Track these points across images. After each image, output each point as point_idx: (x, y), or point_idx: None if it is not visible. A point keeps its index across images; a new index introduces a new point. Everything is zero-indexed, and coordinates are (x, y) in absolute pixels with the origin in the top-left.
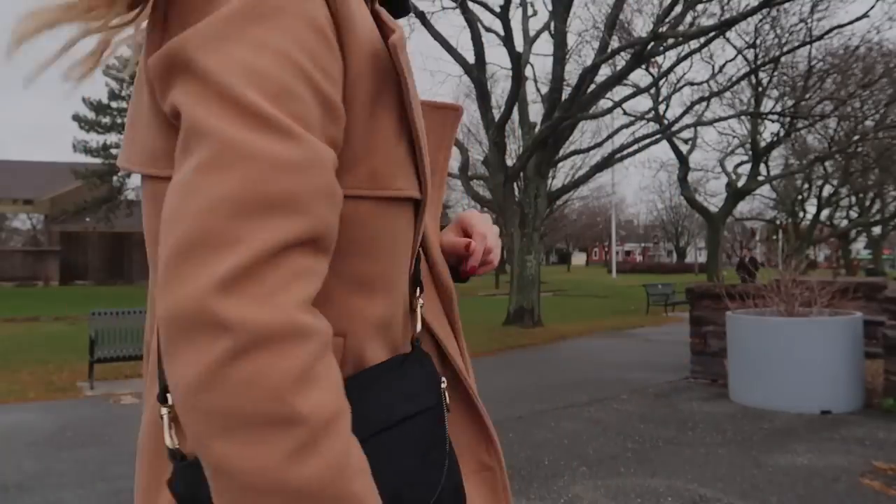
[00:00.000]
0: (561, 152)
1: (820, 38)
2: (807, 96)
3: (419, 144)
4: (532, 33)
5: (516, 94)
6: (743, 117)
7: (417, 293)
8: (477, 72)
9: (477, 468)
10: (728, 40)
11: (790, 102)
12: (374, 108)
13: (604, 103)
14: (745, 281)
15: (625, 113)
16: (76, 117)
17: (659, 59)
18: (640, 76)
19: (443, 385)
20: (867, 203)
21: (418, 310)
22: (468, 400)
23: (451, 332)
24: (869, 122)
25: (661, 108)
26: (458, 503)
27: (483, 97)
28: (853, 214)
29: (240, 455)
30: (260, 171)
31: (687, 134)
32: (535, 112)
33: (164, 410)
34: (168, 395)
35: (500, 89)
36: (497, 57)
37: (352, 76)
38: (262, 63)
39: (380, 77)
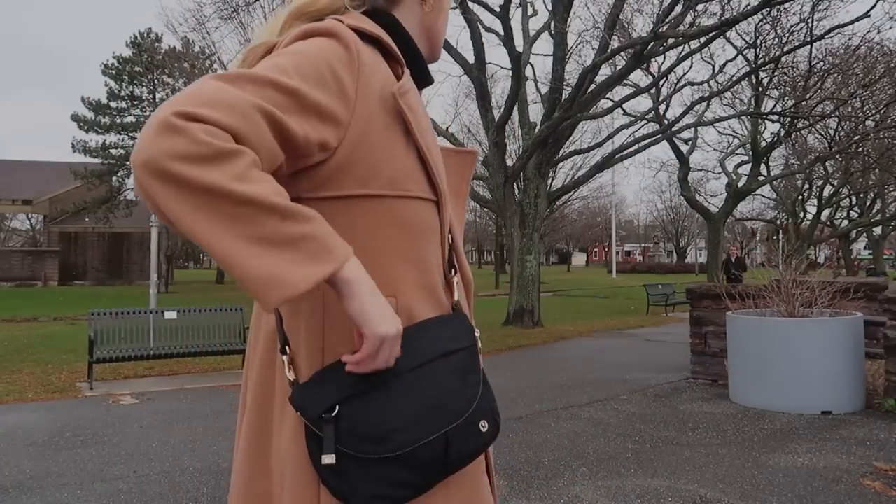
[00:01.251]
0: (561, 152)
1: (820, 37)
2: (807, 96)
3: (427, 161)
4: (532, 33)
5: (516, 94)
6: (743, 117)
7: (453, 273)
8: (477, 72)
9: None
10: (728, 40)
11: (790, 102)
12: (388, 134)
13: (604, 103)
14: (730, 281)
15: (625, 113)
16: (75, 117)
17: (658, 59)
18: (640, 76)
19: (477, 333)
20: (868, 203)
21: (454, 284)
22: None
23: (470, 312)
24: (870, 122)
25: (662, 108)
26: (495, 421)
27: (483, 97)
28: (854, 214)
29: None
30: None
31: (687, 134)
32: (535, 112)
33: (285, 358)
34: (287, 347)
35: (500, 89)
36: (497, 57)
37: (368, 111)
38: (284, 64)
39: (390, 113)
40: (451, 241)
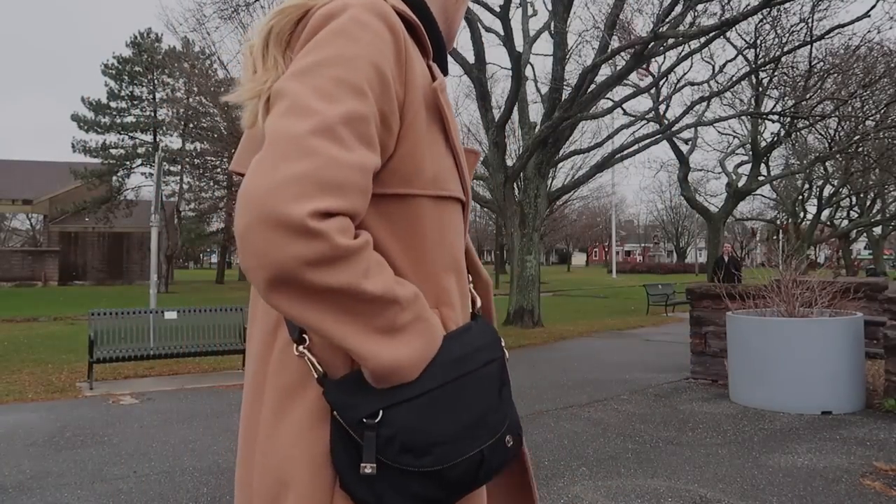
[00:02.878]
0: (561, 152)
1: (821, 37)
2: (807, 96)
3: (459, 161)
4: (532, 33)
5: (516, 94)
6: (743, 117)
7: (470, 278)
8: (477, 72)
9: None
10: (728, 40)
11: (791, 102)
12: (430, 131)
13: (604, 103)
14: (727, 281)
15: (625, 113)
16: (75, 117)
17: (658, 59)
18: (640, 76)
19: (503, 342)
20: (868, 203)
21: (472, 290)
22: None
23: (491, 316)
24: (870, 122)
25: (662, 108)
26: (519, 436)
27: (483, 97)
28: (854, 215)
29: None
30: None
31: (687, 134)
32: (535, 112)
33: (303, 348)
34: (305, 336)
35: (500, 89)
36: (497, 57)
37: (414, 106)
38: (331, 80)
39: (430, 110)
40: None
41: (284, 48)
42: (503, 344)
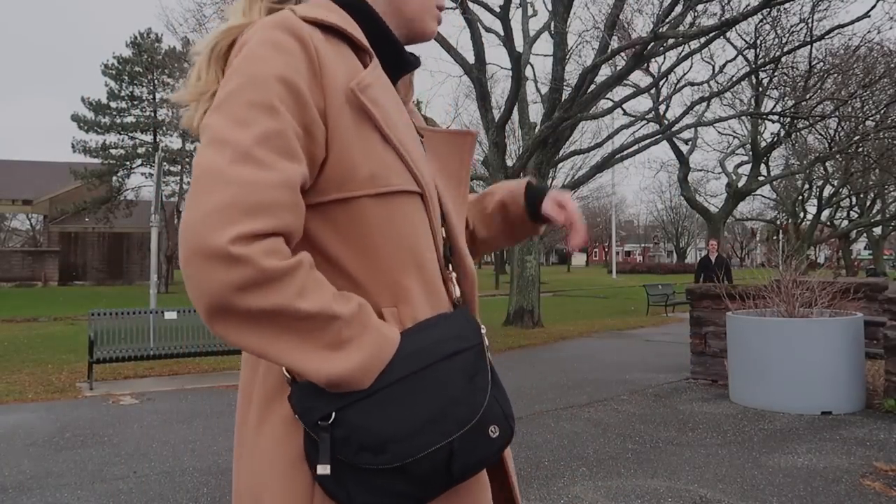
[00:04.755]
0: (561, 152)
1: (820, 38)
2: (807, 96)
3: (402, 153)
4: (532, 33)
5: (516, 94)
6: (743, 118)
7: (450, 268)
8: (477, 72)
9: None
10: (728, 40)
11: (790, 103)
12: (359, 129)
13: (604, 103)
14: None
15: (625, 113)
16: (75, 117)
17: (658, 59)
18: (640, 76)
19: (483, 330)
20: (868, 203)
21: (452, 279)
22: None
23: (475, 308)
24: (870, 123)
25: (662, 108)
26: (509, 426)
27: (483, 97)
28: (854, 215)
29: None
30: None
31: (687, 134)
32: (535, 112)
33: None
34: None
35: (500, 89)
36: (497, 57)
37: (335, 109)
38: (241, 106)
39: (357, 109)
40: (444, 233)
41: (223, 64)
42: (483, 331)
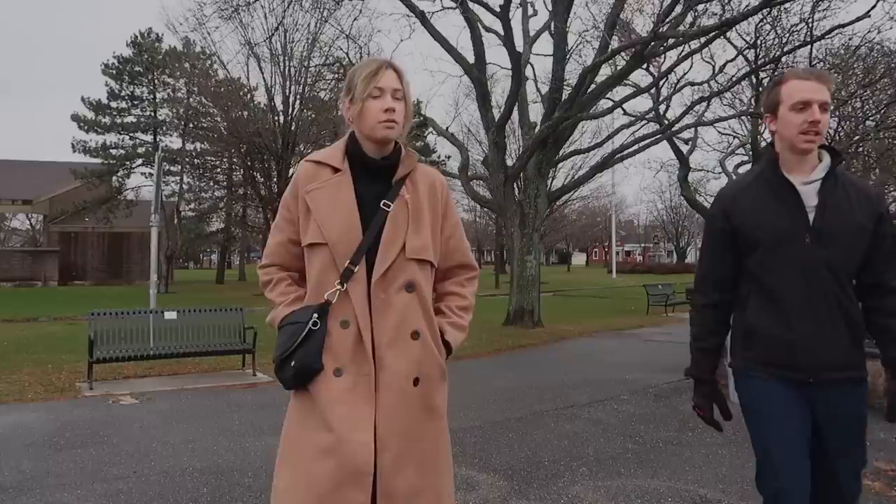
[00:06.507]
0: (561, 152)
1: (821, 37)
2: None
3: (319, 225)
4: (532, 33)
5: (516, 94)
6: (743, 117)
7: (335, 287)
8: (477, 72)
9: (356, 373)
10: (729, 40)
11: None
12: (306, 214)
13: (604, 103)
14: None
15: (625, 113)
16: (75, 117)
17: (658, 59)
18: (640, 76)
19: (314, 316)
20: None
21: (332, 291)
22: (358, 337)
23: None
24: (870, 123)
25: (662, 108)
26: (304, 376)
27: (483, 97)
28: None
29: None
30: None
31: (687, 134)
32: (535, 112)
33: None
34: None
35: (500, 89)
36: (497, 57)
37: (302, 208)
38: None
39: (304, 203)
40: (350, 262)
41: None
42: (315, 316)
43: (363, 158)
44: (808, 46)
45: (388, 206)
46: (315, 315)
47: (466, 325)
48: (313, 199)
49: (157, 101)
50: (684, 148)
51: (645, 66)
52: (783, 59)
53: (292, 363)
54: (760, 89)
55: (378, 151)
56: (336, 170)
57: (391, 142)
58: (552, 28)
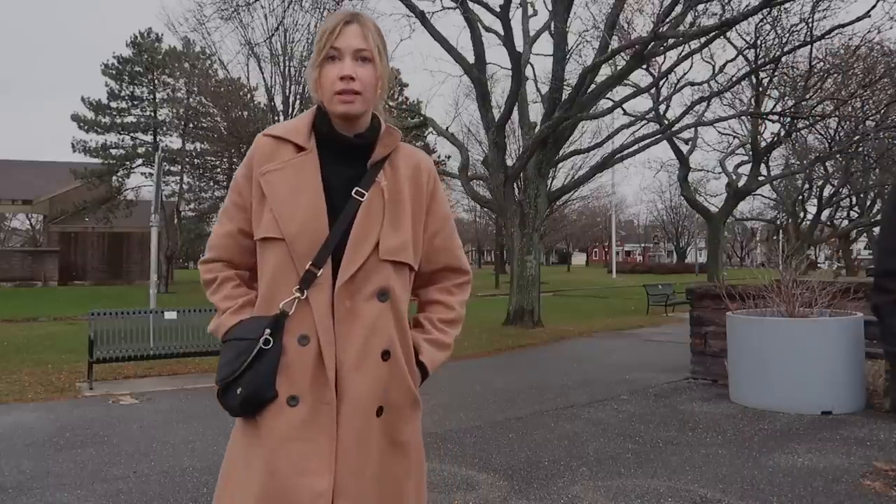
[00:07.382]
0: (561, 152)
1: (821, 37)
2: (807, 96)
3: (276, 217)
4: (532, 33)
5: (516, 94)
6: (743, 117)
7: (293, 294)
8: (477, 72)
9: (315, 401)
10: (729, 40)
11: (791, 102)
12: (260, 200)
13: (604, 103)
14: None
15: (625, 113)
16: (75, 117)
17: (658, 59)
18: (640, 76)
19: (267, 332)
20: (868, 203)
21: (290, 300)
22: (319, 356)
23: (330, 324)
24: (870, 122)
25: (662, 108)
26: (252, 405)
27: (483, 97)
28: (854, 215)
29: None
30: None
31: (687, 134)
32: (535, 112)
33: None
34: None
35: (500, 89)
36: (497, 57)
37: (253, 193)
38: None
39: (259, 187)
40: (313, 263)
41: None
42: (267, 333)
43: (333, 135)
44: (808, 46)
45: (362, 196)
46: (268, 331)
47: (450, 343)
48: (269, 184)
49: (157, 101)
50: (684, 148)
51: (645, 66)
52: (783, 58)
53: (238, 390)
54: (760, 89)
55: (350, 128)
56: (300, 148)
57: (358, 117)
58: (552, 28)
